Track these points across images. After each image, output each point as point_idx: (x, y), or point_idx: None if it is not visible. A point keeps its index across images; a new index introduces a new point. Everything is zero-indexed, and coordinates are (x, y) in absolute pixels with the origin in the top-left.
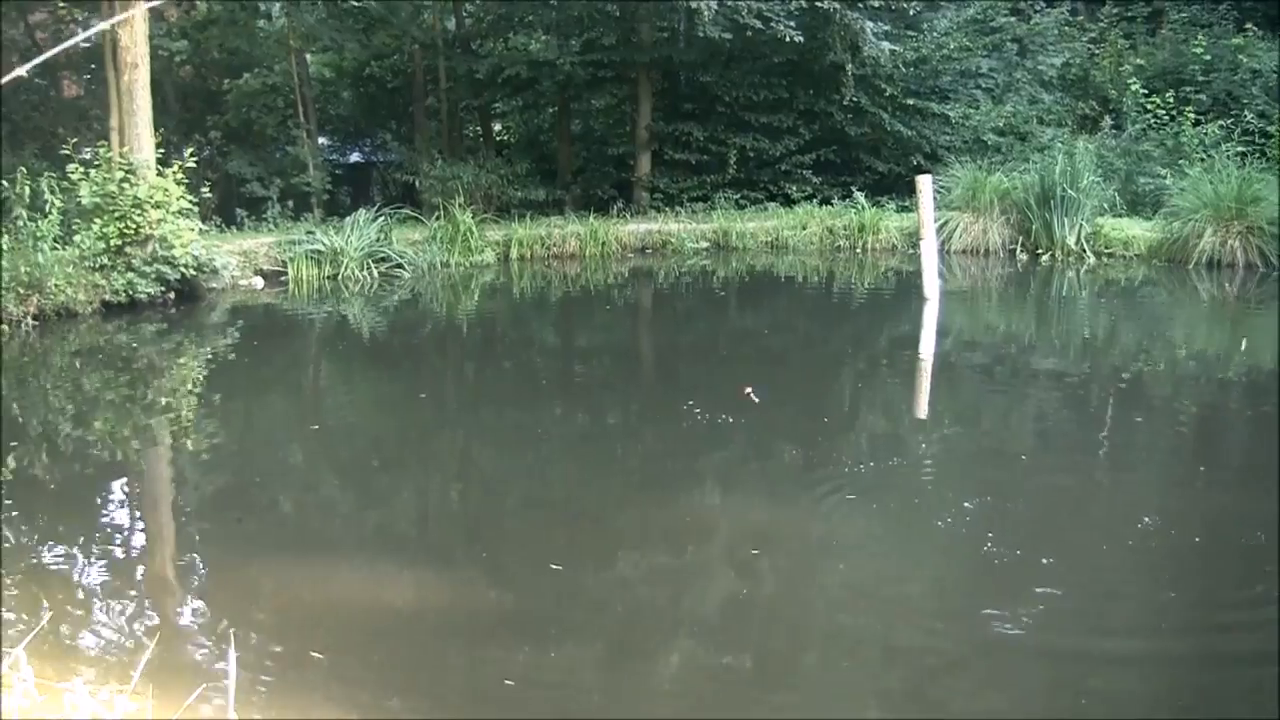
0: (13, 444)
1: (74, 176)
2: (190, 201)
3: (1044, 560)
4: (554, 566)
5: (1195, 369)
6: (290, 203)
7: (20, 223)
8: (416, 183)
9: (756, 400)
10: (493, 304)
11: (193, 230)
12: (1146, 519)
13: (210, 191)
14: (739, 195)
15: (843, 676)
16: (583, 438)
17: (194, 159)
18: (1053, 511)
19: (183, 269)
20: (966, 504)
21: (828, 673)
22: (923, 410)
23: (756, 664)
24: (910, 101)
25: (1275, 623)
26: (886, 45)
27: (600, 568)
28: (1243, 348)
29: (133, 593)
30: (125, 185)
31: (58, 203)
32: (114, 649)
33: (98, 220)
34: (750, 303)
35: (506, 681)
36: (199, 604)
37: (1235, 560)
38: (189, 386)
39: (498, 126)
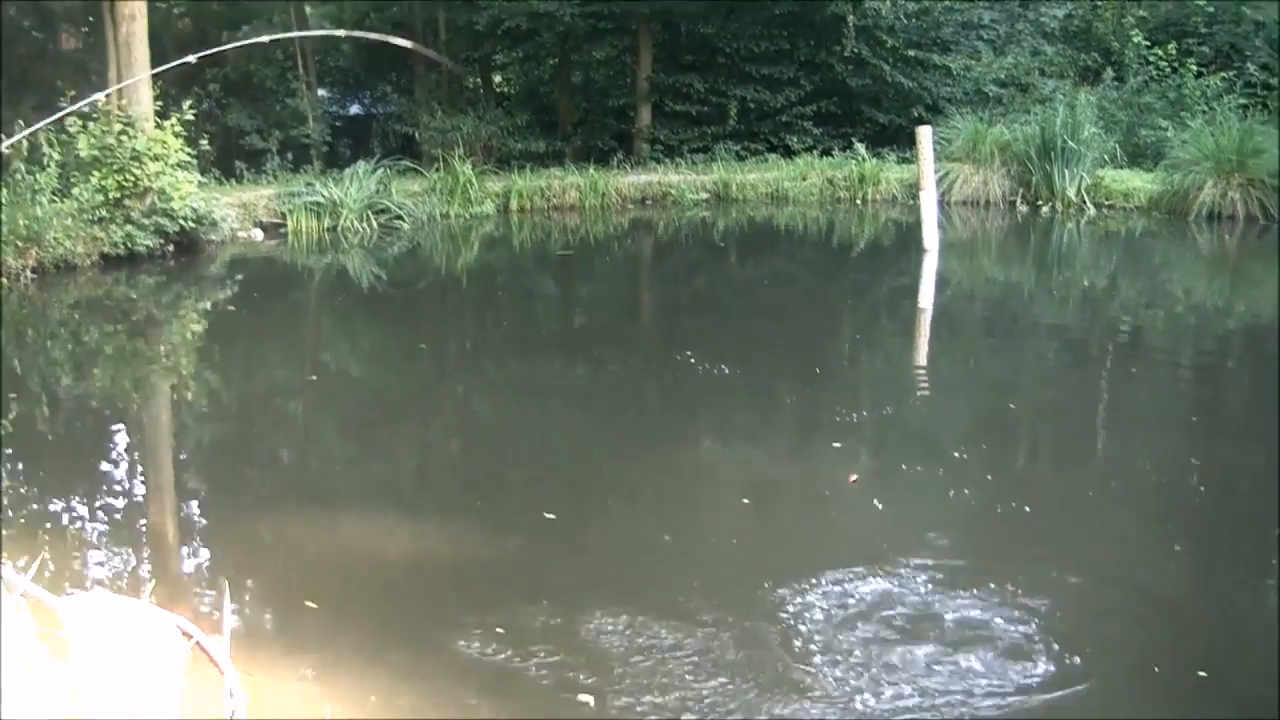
0: (12, 395)
1: (72, 130)
2: (189, 154)
3: (1025, 508)
4: (548, 516)
5: (1193, 321)
6: (290, 155)
7: (19, 176)
8: (416, 135)
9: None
10: (492, 255)
11: (191, 183)
12: (1138, 467)
13: (209, 144)
14: (739, 147)
15: (836, 626)
16: (581, 389)
17: (192, 112)
18: (1046, 462)
19: (181, 221)
20: (960, 454)
21: (821, 622)
22: (921, 360)
23: (749, 613)
24: (911, 53)
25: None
26: None
27: (596, 517)
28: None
29: (130, 542)
30: (123, 138)
31: (56, 156)
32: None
33: (96, 173)
34: (750, 254)
35: (498, 629)
36: (197, 554)
37: (1225, 509)
38: (188, 338)
39: (498, 78)
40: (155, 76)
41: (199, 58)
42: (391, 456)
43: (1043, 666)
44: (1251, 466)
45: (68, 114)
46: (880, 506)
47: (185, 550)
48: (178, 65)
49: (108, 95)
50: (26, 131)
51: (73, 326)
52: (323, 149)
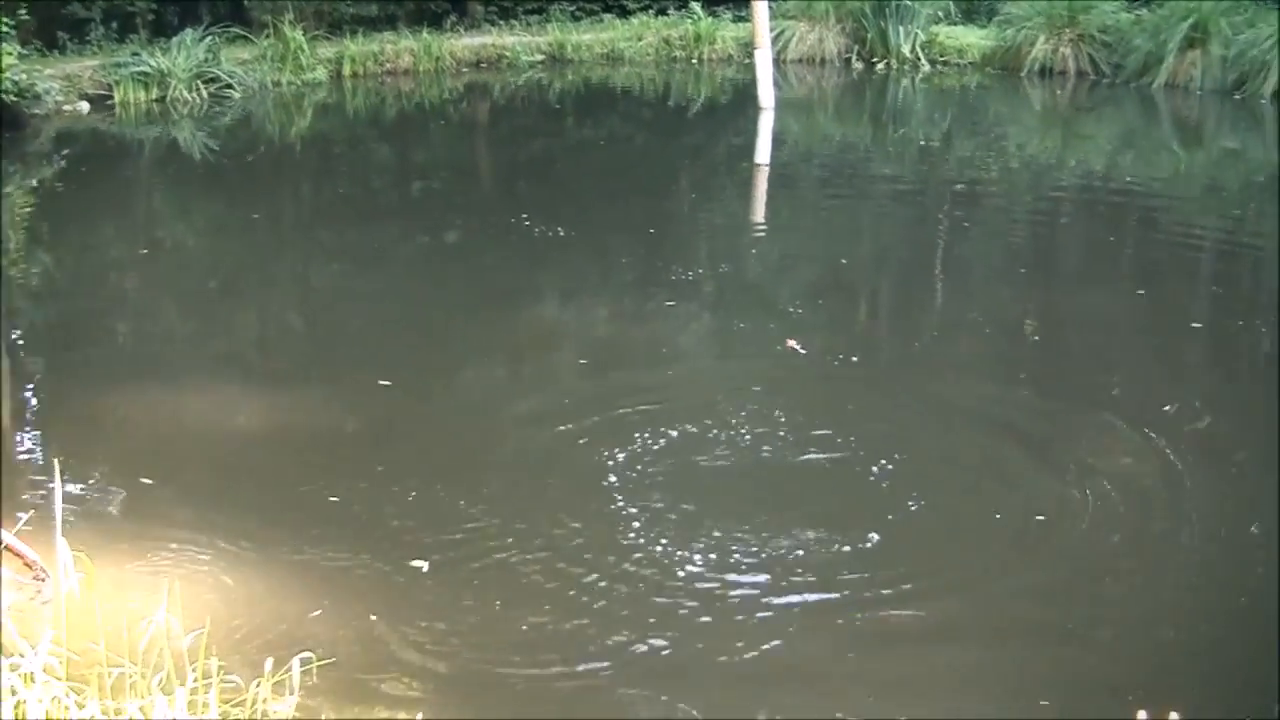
0: None
1: None
2: (7, 24)
3: (853, 358)
4: (382, 383)
5: (1027, 175)
6: (114, 24)
7: None
8: (245, 0)
9: (803, 351)
10: (326, 123)
11: (11, 54)
12: (970, 318)
13: (28, 14)
14: (574, 7)
15: (678, 473)
16: (418, 256)
17: None
18: (880, 311)
19: (2, 95)
20: (795, 309)
21: (648, 479)
22: (758, 217)
23: (581, 474)
24: None
25: None
26: None
27: (431, 384)
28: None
29: None
30: None
31: None
32: None
33: None
34: (587, 116)
35: (331, 498)
36: (30, 436)
37: (1057, 353)
38: (15, 217)
39: None
40: None
41: None
42: (227, 329)
43: (866, 529)
44: (1081, 313)
45: None
46: (713, 362)
47: (18, 431)
48: None
49: None
50: None
51: None
52: (149, 17)
